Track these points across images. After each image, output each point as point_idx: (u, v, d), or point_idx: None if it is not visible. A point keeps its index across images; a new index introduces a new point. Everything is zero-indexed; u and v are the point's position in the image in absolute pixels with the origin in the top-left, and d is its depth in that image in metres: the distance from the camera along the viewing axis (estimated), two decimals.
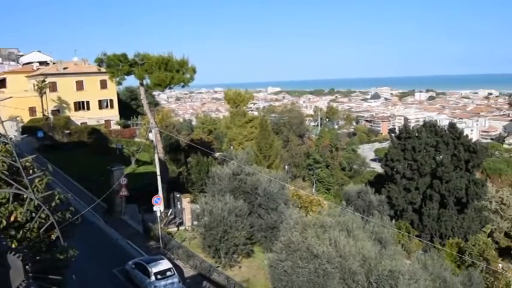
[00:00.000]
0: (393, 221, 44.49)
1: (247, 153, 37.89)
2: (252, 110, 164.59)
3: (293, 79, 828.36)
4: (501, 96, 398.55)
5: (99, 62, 32.09)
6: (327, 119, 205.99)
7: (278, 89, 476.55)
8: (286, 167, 63.83)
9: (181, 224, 32.02)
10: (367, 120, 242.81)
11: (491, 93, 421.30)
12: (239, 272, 25.97)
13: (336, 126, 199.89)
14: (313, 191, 60.92)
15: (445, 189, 46.37)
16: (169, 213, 31.99)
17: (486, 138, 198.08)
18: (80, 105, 68.49)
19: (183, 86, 33.24)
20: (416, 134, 51.19)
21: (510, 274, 42.39)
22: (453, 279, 23.95)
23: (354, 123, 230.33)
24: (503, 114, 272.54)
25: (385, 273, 19.35)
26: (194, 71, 32.51)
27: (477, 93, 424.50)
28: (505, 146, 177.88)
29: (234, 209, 26.09)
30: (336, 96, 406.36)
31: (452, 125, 52.99)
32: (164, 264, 22.91)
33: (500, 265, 42.68)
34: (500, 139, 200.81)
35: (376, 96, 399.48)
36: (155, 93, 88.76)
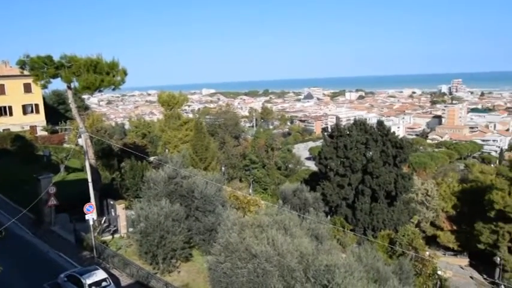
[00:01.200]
0: (328, 217, 45.91)
1: (183, 156, 37.38)
2: (186, 112, 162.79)
3: (228, 80, 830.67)
4: (424, 95, 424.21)
5: (22, 64, 30.15)
6: (262, 120, 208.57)
7: (213, 91, 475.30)
8: (222, 168, 63.76)
9: (116, 231, 30.95)
10: (301, 120, 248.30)
11: (414, 92, 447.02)
12: (178, 277, 25.55)
13: (271, 127, 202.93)
14: (250, 191, 61.33)
15: (375, 184, 48.55)
16: (103, 221, 30.80)
17: (411, 135, 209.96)
18: (2, 111, 64.25)
19: (113, 89, 32.14)
20: (348, 132, 53.15)
21: (436, 260, 45.23)
22: (385, 269, 25.00)
23: (289, 123, 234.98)
24: (426, 112, 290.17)
25: (322, 268, 19.82)
26: (125, 73, 31.52)
27: (402, 92, 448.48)
28: (428, 141, 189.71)
29: (170, 213, 25.62)
30: (271, 97, 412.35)
31: (380, 123, 55.55)
32: (99, 275, 22.03)
33: (427, 253, 45.39)
34: (424, 135, 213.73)
35: (309, 97, 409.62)
36: (85, 96, 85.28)
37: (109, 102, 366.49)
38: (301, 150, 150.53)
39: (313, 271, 19.89)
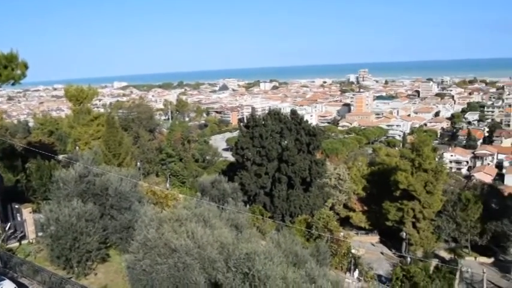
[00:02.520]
0: (247, 206, 46.61)
1: (95, 152, 35.79)
2: (97, 107, 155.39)
3: (140, 73, 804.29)
4: (334, 84, 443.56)
5: None
6: (178, 112, 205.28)
7: (125, 84, 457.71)
8: (138, 163, 62.00)
9: (23, 237, 28.84)
10: (217, 112, 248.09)
11: (325, 82, 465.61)
12: (96, 280, 24.50)
13: (187, 119, 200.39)
14: (168, 185, 60.37)
15: (291, 171, 50.10)
16: (8, 227, 28.53)
17: (323, 122, 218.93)
18: None
19: (13, 84, 29.67)
20: (263, 122, 54.17)
21: (350, 240, 47.87)
22: (303, 252, 25.89)
23: (205, 115, 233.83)
24: (337, 100, 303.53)
25: (243, 256, 20.05)
26: (26, 66, 29.18)
27: (314, 82, 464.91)
28: (339, 128, 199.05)
29: (83, 214, 24.40)
30: (185, 89, 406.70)
31: (293, 112, 57.29)
32: (6, 286, 20.46)
33: (341, 233, 47.87)
34: (335, 122, 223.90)
35: (224, 88, 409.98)
36: None
37: (10, 99, 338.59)
38: (219, 141, 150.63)
39: (234, 260, 20.07)
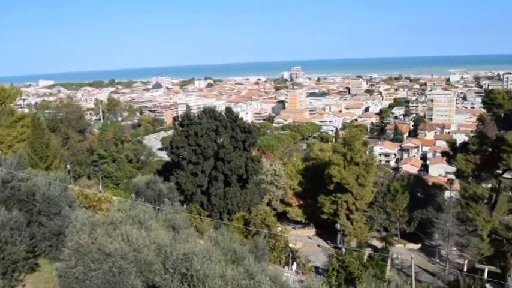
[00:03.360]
0: (184, 205, 46.00)
1: (20, 156, 33.57)
2: (21, 107, 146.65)
3: (68, 71, 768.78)
4: (268, 82, 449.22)
5: None
6: (109, 112, 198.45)
7: (51, 82, 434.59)
8: (68, 166, 59.21)
9: None
10: (151, 110, 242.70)
11: (260, 79, 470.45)
12: None
13: (120, 119, 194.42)
14: (100, 188, 58.21)
15: (228, 169, 50.11)
16: None
17: (259, 119, 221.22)
18: None
19: None
20: (198, 120, 53.68)
21: (287, 234, 48.74)
22: (242, 249, 25.87)
23: (138, 114, 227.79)
24: (271, 97, 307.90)
25: (180, 257, 19.71)
26: None
27: (249, 79, 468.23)
28: (274, 124, 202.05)
29: (7, 222, 22.82)
30: (117, 88, 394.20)
31: (228, 109, 57.30)
32: None
33: (279, 228, 48.64)
34: (270, 119, 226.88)
35: (157, 86, 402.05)
36: None
37: None
38: (153, 141, 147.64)
39: (171, 261, 19.70)
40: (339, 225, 56.86)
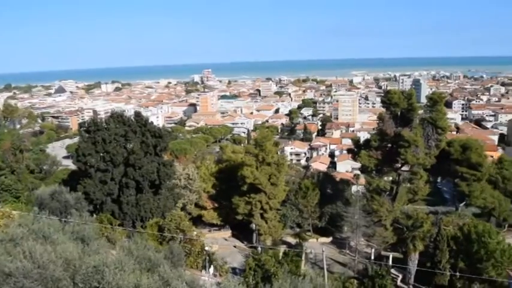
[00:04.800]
0: (94, 215, 43.83)
1: None
2: None
3: None
4: (179, 85, 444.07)
5: None
6: (6, 119, 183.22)
7: None
8: None
9: None
10: (54, 116, 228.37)
11: (170, 82, 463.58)
12: None
13: (18, 126, 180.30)
14: None
15: (139, 175, 48.55)
16: None
17: (170, 123, 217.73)
18: None
19: None
20: (105, 126, 51.41)
21: (203, 238, 48.48)
22: (157, 256, 25.34)
23: (40, 121, 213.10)
24: (182, 101, 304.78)
25: (90, 270, 18.84)
26: None
27: (159, 82, 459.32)
28: (186, 128, 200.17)
29: None
30: (15, 93, 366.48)
31: (137, 114, 55.56)
32: None
33: (194, 232, 48.19)
34: (182, 122, 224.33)
35: (61, 90, 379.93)
36: None
37: None
38: (58, 149, 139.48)
39: (81, 275, 18.73)
40: (254, 225, 57.75)
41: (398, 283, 48.11)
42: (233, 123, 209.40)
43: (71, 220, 26.99)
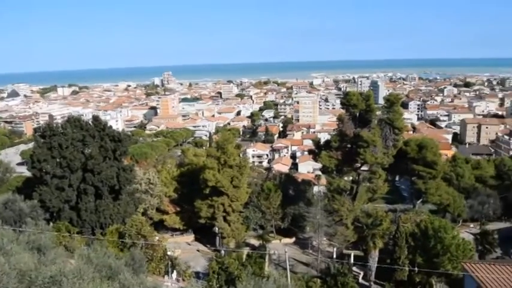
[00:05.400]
0: (51, 224, 42.46)
1: None
2: None
3: None
4: (139, 88, 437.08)
5: None
6: None
7: None
8: None
9: None
10: (6, 121, 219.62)
11: (130, 85, 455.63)
12: None
13: None
14: None
15: (98, 181, 47.38)
16: None
17: (130, 127, 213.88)
18: None
19: None
20: (62, 131, 49.85)
21: (165, 243, 47.86)
22: (117, 263, 24.74)
23: None
24: (142, 104, 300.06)
25: (47, 280, 18.17)
26: None
27: (118, 85, 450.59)
28: (147, 132, 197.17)
29: None
30: None
31: (96, 118, 54.24)
32: None
33: (156, 237, 47.52)
34: (142, 126, 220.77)
35: (14, 94, 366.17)
36: None
37: None
38: (11, 155, 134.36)
39: (37, 287, 18.07)
40: (217, 228, 57.50)
41: (360, 280, 49.08)
42: (195, 126, 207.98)
43: (26, 229, 25.97)
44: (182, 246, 58.00)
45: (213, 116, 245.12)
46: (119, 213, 49.00)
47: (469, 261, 40.89)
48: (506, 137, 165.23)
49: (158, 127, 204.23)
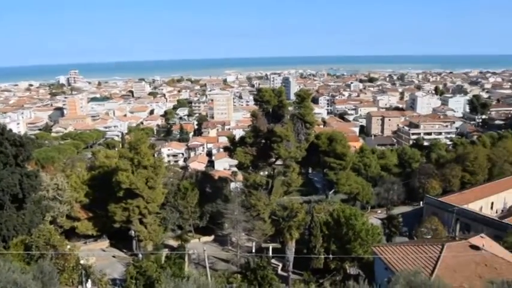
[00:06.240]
0: None
1: None
2: None
3: None
4: (42, 87, 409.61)
5: None
6: None
7: None
8: None
9: None
10: None
11: (32, 85, 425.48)
12: None
13: None
14: None
15: None
16: None
17: (34, 130, 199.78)
18: None
19: None
20: None
21: (77, 251, 45.44)
22: (24, 277, 23.18)
23: None
24: (47, 104, 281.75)
25: None
26: None
27: (18, 85, 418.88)
28: (53, 134, 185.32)
29: None
30: None
31: None
32: None
33: (68, 246, 44.88)
34: (47, 128, 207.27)
35: None
36: None
37: None
38: None
39: None
40: (133, 232, 55.68)
41: (279, 272, 50.36)
42: (106, 127, 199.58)
43: None
44: (97, 253, 55.42)
45: (125, 115, 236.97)
46: (24, 223, 45.52)
47: (377, 245, 43.97)
48: (406, 128, 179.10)
49: (65, 129, 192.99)
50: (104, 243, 60.21)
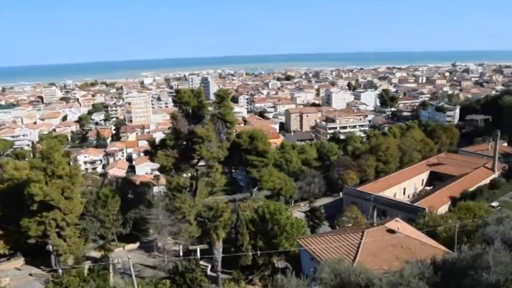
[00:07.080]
0: None
1: None
2: None
3: None
4: None
5: None
6: None
7: None
8: None
9: None
10: None
11: None
12: None
13: None
14: None
15: None
16: None
17: None
18: None
19: None
20: None
21: None
22: None
23: None
24: None
25: None
26: None
27: None
28: None
29: None
30: None
31: None
32: None
33: None
34: None
35: None
36: None
37: None
38: None
39: None
40: (51, 246, 52.42)
41: (209, 272, 50.19)
42: (13, 136, 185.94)
43: None
44: (10, 273, 51.58)
45: (35, 123, 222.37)
46: None
47: (302, 237, 45.35)
48: (323, 123, 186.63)
49: None
50: (19, 261, 56.07)
